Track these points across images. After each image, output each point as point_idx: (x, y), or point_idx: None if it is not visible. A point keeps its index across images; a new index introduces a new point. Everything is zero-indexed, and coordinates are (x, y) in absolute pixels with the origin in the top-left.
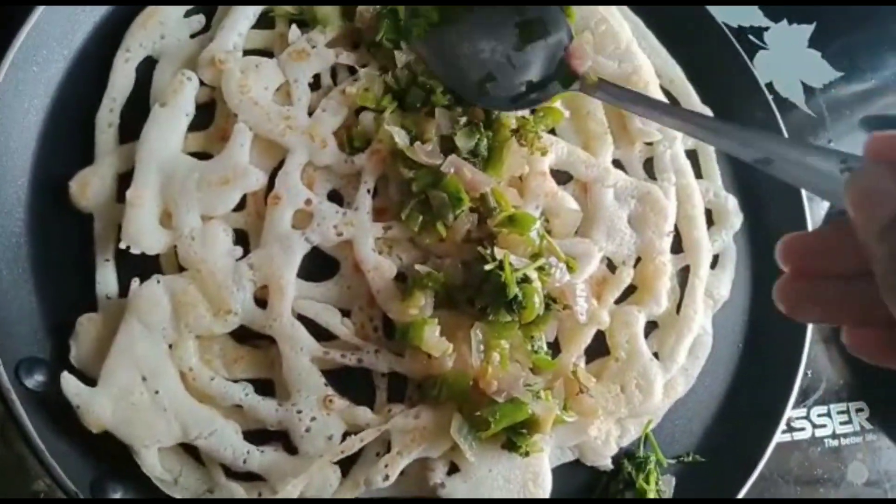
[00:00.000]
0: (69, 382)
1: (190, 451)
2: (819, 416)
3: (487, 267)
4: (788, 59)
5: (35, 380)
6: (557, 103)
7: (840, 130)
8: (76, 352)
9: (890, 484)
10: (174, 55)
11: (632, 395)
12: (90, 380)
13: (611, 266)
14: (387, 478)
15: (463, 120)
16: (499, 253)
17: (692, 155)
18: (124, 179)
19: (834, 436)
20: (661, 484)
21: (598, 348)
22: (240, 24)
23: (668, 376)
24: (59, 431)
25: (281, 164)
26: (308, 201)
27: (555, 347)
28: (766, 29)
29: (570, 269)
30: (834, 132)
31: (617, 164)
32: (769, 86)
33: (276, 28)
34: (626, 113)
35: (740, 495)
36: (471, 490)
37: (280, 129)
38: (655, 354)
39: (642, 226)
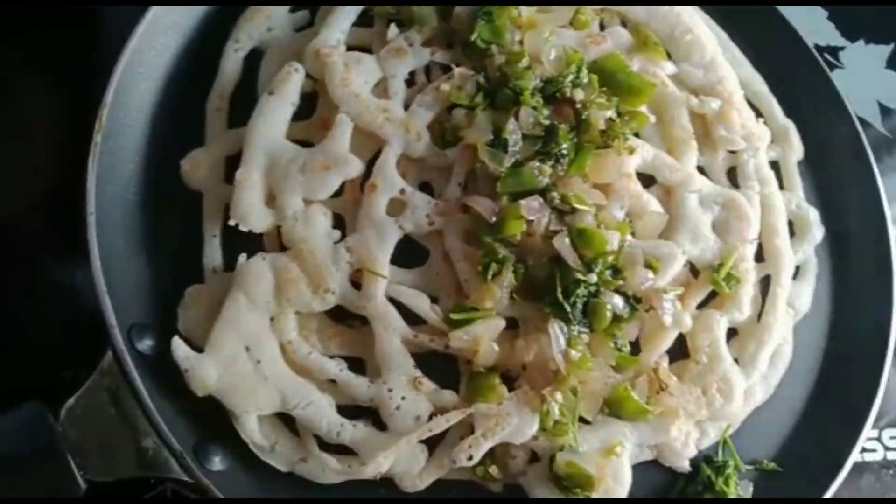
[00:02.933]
0: (179, 347)
1: (286, 421)
2: (891, 438)
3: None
4: (865, 78)
5: (145, 344)
6: (643, 108)
7: None
8: (183, 320)
9: None
10: (280, 48)
11: (713, 398)
12: (195, 347)
13: (693, 271)
14: (470, 458)
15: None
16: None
17: (774, 166)
18: (231, 162)
19: None
20: (739, 489)
21: (679, 351)
22: (342, 21)
23: (749, 382)
24: (166, 394)
25: (377, 155)
26: (402, 190)
27: (636, 347)
28: (843, 48)
29: (653, 270)
30: None
31: (700, 171)
32: None
33: (375, 26)
34: (710, 120)
35: None
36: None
37: (378, 120)
38: (735, 360)
39: (726, 232)
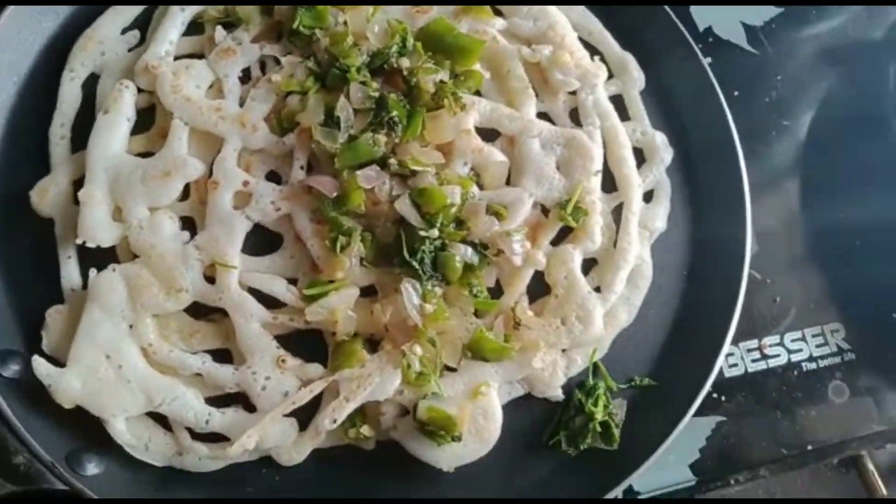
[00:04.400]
0: (40, 364)
1: (158, 419)
2: (793, 341)
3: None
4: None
5: (11, 369)
6: (476, 65)
7: (787, 66)
8: (47, 341)
9: (873, 399)
10: (114, 68)
11: (572, 327)
12: (62, 365)
13: (544, 211)
14: (334, 421)
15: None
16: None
17: (617, 99)
18: (79, 184)
19: (811, 359)
20: (612, 407)
21: (545, 290)
22: (170, 32)
23: (608, 306)
24: (35, 412)
25: None
26: (246, 183)
27: (499, 291)
28: None
29: (499, 217)
30: (781, 69)
31: (545, 117)
32: (708, 30)
33: (206, 32)
34: (545, 67)
35: (690, 413)
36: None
37: (212, 120)
38: (597, 289)
39: (570, 169)
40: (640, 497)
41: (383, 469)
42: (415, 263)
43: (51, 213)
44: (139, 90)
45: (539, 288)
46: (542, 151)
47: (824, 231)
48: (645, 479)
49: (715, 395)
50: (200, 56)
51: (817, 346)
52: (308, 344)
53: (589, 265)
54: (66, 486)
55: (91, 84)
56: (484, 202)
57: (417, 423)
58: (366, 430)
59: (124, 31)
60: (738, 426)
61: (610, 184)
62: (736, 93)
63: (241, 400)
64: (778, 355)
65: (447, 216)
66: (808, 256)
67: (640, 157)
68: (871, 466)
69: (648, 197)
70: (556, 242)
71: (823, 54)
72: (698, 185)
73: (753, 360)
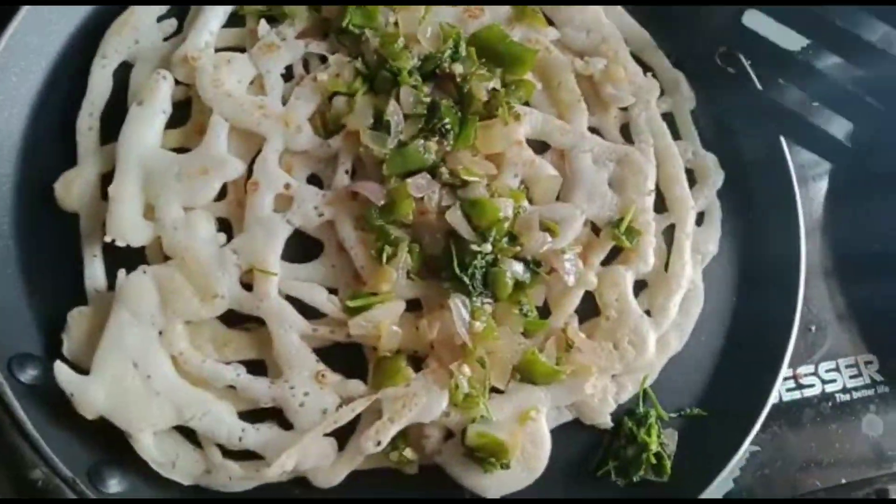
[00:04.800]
0: (62, 371)
1: (187, 434)
2: (827, 371)
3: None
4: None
5: (28, 374)
6: (528, 75)
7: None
8: (68, 345)
9: None
10: (150, 58)
11: (625, 352)
12: (84, 371)
13: (595, 229)
14: (378, 443)
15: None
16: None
17: (668, 118)
18: (107, 179)
19: (845, 390)
20: (663, 437)
21: (591, 310)
22: (211, 23)
23: (661, 332)
24: (54, 422)
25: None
26: (287, 185)
27: (545, 310)
28: None
29: (551, 233)
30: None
31: (594, 131)
32: None
33: (247, 25)
34: (597, 80)
35: (745, 446)
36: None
37: (255, 117)
38: (647, 312)
39: (623, 187)
40: None
41: (422, 493)
42: (465, 278)
43: (76, 207)
44: (176, 82)
45: (585, 309)
46: (594, 167)
47: (859, 261)
48: None
49: None
50: (240, 49)
51: (851, 378)
52: (345, 358)
53: (637, 287)
54: None
55: (122, 72)
56: (536, 217)
57: (466, 448)
58: (409, 453)
59: (160, 19)
60: (773, 457)
61: (659, 205)
62: None
63: (274, 416)
64: (812, 385)
65: (500, 230)
66: (842, 286)
67: (690, 178)
68: None
69: (699, 220)
70: (604, 263)
71: (856, 81)
72: (749, 208)
73: (788, 390)
